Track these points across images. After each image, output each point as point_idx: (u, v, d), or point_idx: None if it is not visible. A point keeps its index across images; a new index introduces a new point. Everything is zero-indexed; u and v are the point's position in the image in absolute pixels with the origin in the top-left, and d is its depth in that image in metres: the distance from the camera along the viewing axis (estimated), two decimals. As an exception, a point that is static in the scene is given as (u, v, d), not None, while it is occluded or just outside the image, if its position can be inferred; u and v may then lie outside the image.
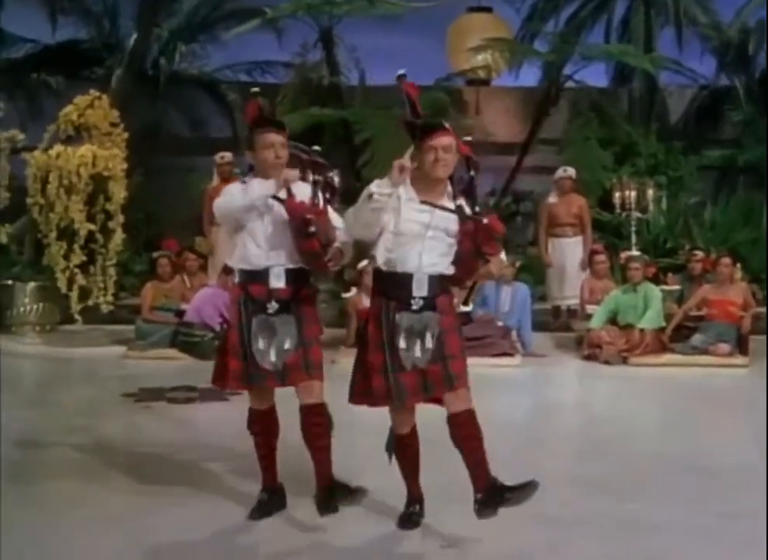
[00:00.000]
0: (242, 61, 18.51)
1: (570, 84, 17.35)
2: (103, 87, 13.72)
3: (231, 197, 4.87)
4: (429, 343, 4.56)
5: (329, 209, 4.90)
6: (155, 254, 11.91)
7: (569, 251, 12.47)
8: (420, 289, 4.58)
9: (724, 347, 10.48)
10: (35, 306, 12.03)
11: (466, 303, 5.04)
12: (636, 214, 13.49)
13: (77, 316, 11.35)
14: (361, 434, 6.02)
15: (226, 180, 12.52)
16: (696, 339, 10.62)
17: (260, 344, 4.80)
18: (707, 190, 16.55)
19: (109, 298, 11.50)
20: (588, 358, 10.71)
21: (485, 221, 4.55)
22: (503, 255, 4.77)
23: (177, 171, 16.01)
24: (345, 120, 15.98)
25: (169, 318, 11.04)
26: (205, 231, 12.59)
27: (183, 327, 10.67)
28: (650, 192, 13.98)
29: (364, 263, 10.21)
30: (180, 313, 10.98)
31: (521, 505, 4.43)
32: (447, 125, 4.59)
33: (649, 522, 5.08)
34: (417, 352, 4.55)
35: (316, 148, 5.26)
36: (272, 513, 5.04)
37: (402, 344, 4.56)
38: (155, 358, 10.47)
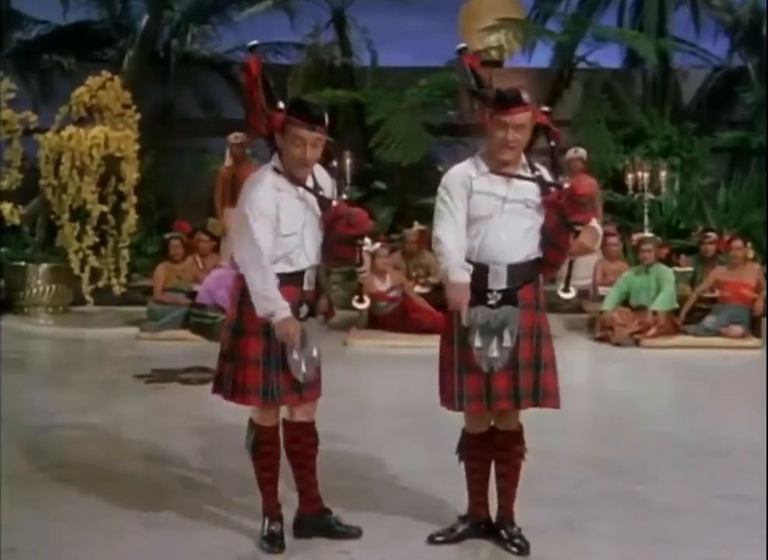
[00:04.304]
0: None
1: (582, 65, 17.28)
2: (115, 68, 13.70)
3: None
4: (507, 342, 4.15)
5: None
6: (167, 236, 11.92)
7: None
8: (497, 281, 4.16)
9: (737, 329, 10.46)
10: (47, 288, 12.07)
11: (566, 289, 4.43)
12: (648, 195, 13.45)
13: (88, 298, 11.39)
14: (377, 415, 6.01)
15: (238, 160, 12.57)
16: (709, 321, 10.61)
17: (296, 354, 4.27)
18: (720, 172, 16.45)
19: (122, 279, 11.55)
20: (600, 339, 10.71)
21: (566, 185, 4.12)
22: (596, 223, 4.22)
23: (189, 152, 16.01)
24: (357, 102, 15.94)
25: (181, 299, 11.05)
26: (217, 212, 12.61)
27: (196, 309, 10.71)
28: (663, 173, 13.94)
29: (376, 246, 10.21)
30: (193, 295, 11.00)
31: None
32: (525, 98, 4.12)
33: (661, 503, 5.09)
34: (494, 352, 4.15)
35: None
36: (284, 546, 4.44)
37: (477, 342, 4.15)
38: (168, 339, 10.48)
